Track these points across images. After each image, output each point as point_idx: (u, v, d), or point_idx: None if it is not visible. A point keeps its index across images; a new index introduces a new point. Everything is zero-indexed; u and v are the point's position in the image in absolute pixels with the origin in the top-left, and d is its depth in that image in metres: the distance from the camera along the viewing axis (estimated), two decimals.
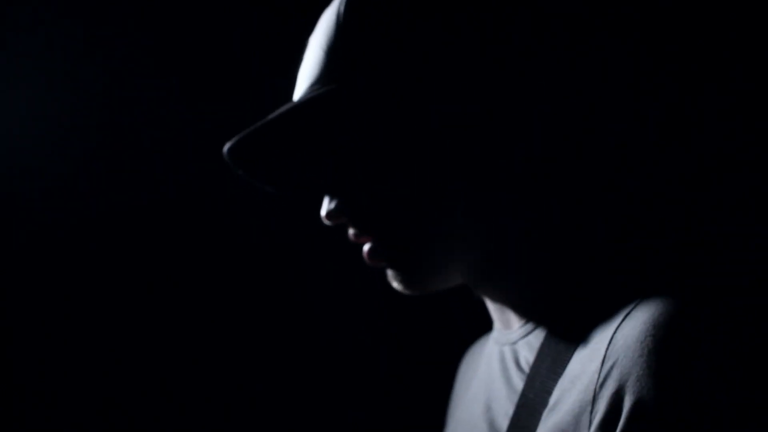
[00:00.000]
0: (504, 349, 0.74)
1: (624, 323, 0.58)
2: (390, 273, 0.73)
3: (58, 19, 1.35)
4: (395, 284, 0.73)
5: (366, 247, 0.72)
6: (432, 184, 0.68)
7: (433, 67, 0.66)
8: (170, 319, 1.41)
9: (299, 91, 0.72)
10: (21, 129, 1.36)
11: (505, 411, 0.70)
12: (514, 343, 0.72)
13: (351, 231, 0.72)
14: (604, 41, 0.70)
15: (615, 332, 0.58)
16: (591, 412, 0.57)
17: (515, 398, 0.68)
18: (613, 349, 0.58)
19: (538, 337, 0.68)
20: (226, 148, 0.73)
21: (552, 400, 0.63)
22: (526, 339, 0.70)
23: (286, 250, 1.45)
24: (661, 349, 0.55)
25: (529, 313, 0.71)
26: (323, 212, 0.72)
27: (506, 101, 0.66)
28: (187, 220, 1.42)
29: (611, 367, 0.57)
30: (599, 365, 0.58)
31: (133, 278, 1.40)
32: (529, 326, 0.70)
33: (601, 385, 0.57)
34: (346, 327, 1.44)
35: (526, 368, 0.69)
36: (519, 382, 0.69)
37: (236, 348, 1.42)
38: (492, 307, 0.76)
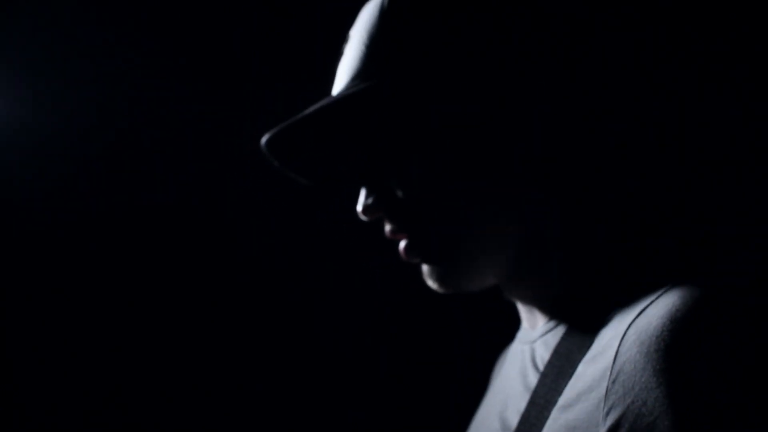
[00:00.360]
0: (524, 347, 0.74)
1: (638, 320, 0.57)
2: (425, 270, 0.72)
3: (59, 19, 1.35)
4: (430, 282, 0.72)
5: (402, 244, 0.71)
6: (470, 182, 0.68)
7: (475, 64, 0.66)
8: (171, 320, 1.41)
9: (339, 85, 0.72)
10: (21, 129, 1.36)
11: (517, 408, 0.70)
12: (533, 341, 0.72)
13: (387, 227, 0.72)
14: (606, 40, 0.70)
15: (628, 328, 0.57)
16: (604, 408, 0.56)
17: (528, 396, 0.68)
18: (625, 345, 0.57)
19: (555, 335, 0.68)
20: (263, 140, 0.72)
21: (562, 398, 0.62)
22: (544, 338, 0.70)
23: (286, 250, 1.44)
24: (678, 344, 0.53)
25: (552, 312, 0.71)
26: (359, 207, 0.71)
27: (541, 101, 0.66)
28: (187, 220, 1.42)
29: (624, 362, 0.56)
30: (611, 362, 0.57)
31: (134, 278, 1.40)
32: (550, 325, 0.70)
33: (614, 381, 0.56)
34: (346, 327, 1.44)
35: (541, 366, 0.69)
36: (533, 380, 0.69)
37: (236, 348, 1.42)
38: (522, 308, 0.76)
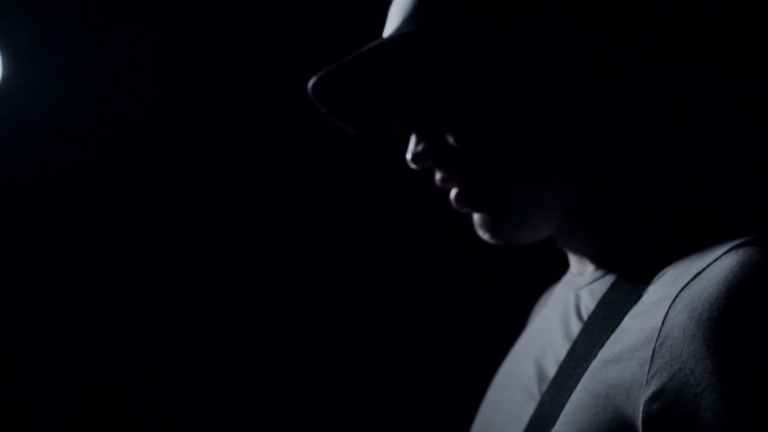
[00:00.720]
0: (569, 293, 0.72)
1: (692, 283, 0.55)
2: (477, 219, 0.70)
3: (59, 17, 1.36)
4: (481, 232, 0.70)
5: (453, 192, 0.69)
6: (525, 128, 0.66)
7: (530, 8, 0.64)
8: (171, 320, 1.41)
9: (390, 28, 0.69)
10: (22, 128, 1.36)
11: (556, 357, 0.69)
12: (579, 288, 0.70)
13: (438, 175, 0.69)
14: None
15: (681, 290, 0.56)
16: (649, 371, 0.55)
17: (568, 345, 0.67)
18: (676, 309, 0.55)
19: (602, 286, 0.66)
20: (310, 83, 0.69)
21: (604, 351, 0.61)
22: (590, 287, 0.68)
23: (286, 250, 1.44)
24: (732, 315, 0.52)
25: (602, 261, 0.69)
26: (409, 155, 0.69)
27: (605, 47, 0.64)
28: (189, 220, 1.42)
29: (672, 326, 0.54)
30: (660, 324, 0.56)
31: (133, 277, 1.40)
32: (598, 274, 0.68)
33: (661, 344, 0.55)
34: (346, 327, 1.44)
35: (585, 315, 0.67)
36: (575, 330, 0.67)
37: (236, 348, 1.42)
38: (572, 257, 0.73)
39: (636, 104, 0.67)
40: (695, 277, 0.56)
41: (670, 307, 0.56)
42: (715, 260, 0.56)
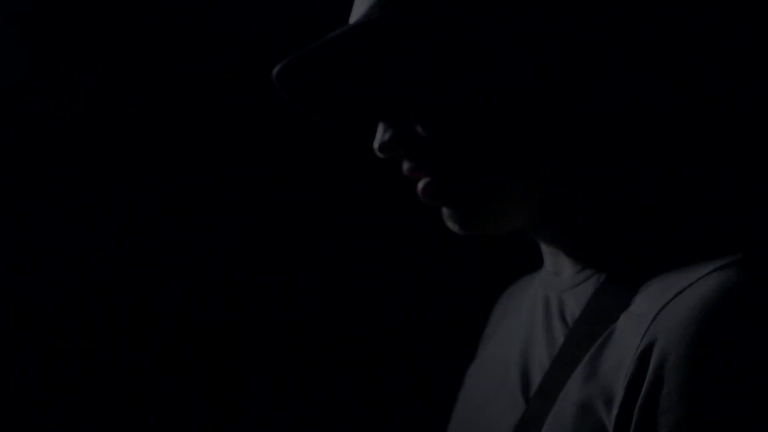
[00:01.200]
0: (550, 295, 0.71)
1: (673, 302, 0.56)
2: (445, 212, 0.69)
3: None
4: (450, 224, 0.69)
5: (421, 184, 0.67)
6: (496, 117, 0.64)
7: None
8: (170, 319, 1.40)
9: (357, 13, 0.67)
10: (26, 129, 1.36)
11: (540, 363, 0.68)
12: (562, 291, 0.69)
13: (405, 165, 0.68)
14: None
15: (661, 309, 0.56)
16: (624, 388, 0.56)
17: (553, 352, 0.66)
18: (654, 328, 0.55)
19: (587, 290, 0.66)
20: (275, 70, 0.67)
21: (588, 362, 0.61)
22: (574, 290, 0.67)
23: (286, 248, 1.44)
24: (702, 345, 0.52)
25: (583, 263, 0.68)
26: (376, 144, 0.67)
27: (578, 41, 0.63)
28: (187, 218, 1.42)
29: (651, 343, 0.55)
30: (638, 343, 0.56)
31: (133, 278, 1.40)
32: (580, 277, 0.67)
33: (639, 358, 0.55)
34: (346, 326, 1.44)
35: (570, 322, 0.66)
36: (560, 336, 0.67)
37: (236, 348, 1.42)
38: (546, 250, 0.72)
39: (630, 107, 0.66)
40: (676, 296, 0.56)
41: (649, 325, 0.56)
42: (697, 279, 0.56)
